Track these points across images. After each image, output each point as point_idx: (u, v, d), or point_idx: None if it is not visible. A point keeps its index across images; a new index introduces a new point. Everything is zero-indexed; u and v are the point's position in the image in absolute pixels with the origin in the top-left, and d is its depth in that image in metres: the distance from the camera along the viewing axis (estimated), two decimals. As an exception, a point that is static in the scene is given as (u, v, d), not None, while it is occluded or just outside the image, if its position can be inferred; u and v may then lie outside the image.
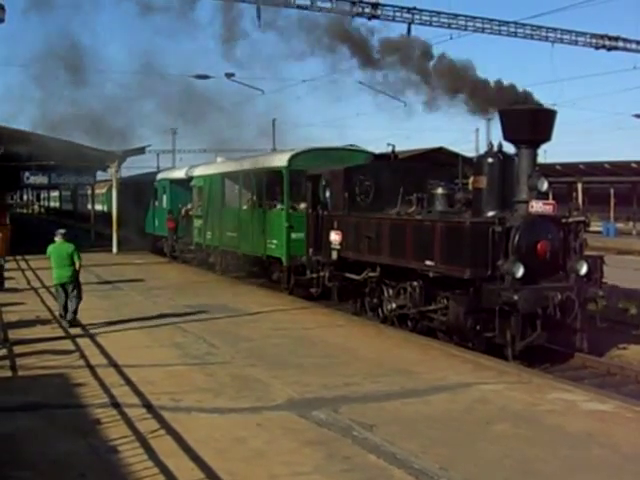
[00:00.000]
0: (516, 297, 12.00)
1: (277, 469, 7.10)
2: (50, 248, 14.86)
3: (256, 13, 25.48)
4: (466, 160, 17.80)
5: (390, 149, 18.21)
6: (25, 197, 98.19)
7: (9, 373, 10.93)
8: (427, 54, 15.65)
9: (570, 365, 13.37)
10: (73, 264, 14.67)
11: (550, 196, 14.27)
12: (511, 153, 13.74)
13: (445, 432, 8.26)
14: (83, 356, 11.85)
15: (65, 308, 14.70)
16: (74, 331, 13.99)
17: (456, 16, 29.55)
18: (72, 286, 14.69)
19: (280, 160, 21.10)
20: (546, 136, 13.49)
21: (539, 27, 31.08)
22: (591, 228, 15.56)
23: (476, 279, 12.57)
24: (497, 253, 12.61)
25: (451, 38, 29.40)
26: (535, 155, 13.51)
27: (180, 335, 13.80)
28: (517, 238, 12.72)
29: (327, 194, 17.83)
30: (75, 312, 14.71)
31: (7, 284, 19.89)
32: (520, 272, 12.38)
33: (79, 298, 14.81)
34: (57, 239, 14.92)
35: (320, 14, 24.56)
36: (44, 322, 14.91)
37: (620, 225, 48.97)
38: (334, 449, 7.63)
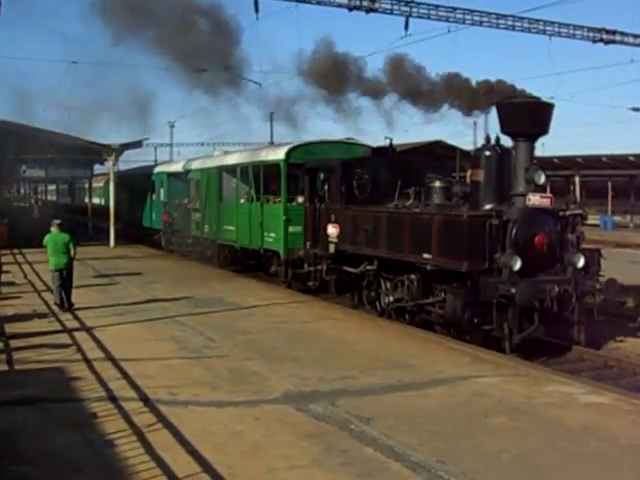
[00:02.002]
0: (513, 290, 11.99)
1: (274, 462, 7.09)
2: (47, 237, 15.93)
3: (254, 5, 25.51)
4: (464, 153, 17.75)
5: (388, 142, 18.17)
6: (22, 190, 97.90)
7: (5, 367, 10.90)
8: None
9: (567, 358, 13.38)
10: (68, 252, 15.78)
11: (548, 189, 14.27)
12: (509, 146, 13.72)
13: (442, 425, 8.25)
14: (80, 350, 11.82)
15: (60, 293, 15.64)
16: (71, 325, 13.97)
17: (454, 9, 29.49)
18: (66, 272, 15.72)
19: (278, 153, 21.06)
20: (544, 129, 13.47)
21: (537, 20, 31.02)
22: (589, 221, 15.51)
23: (473, 272, 12.56)
24: (494, 246, 12.60)
25: (449, 31, 29.38)
26: (533, 148, 13.51)
27: (177, 328, 13.78)
28: (514, 231, 12.71)
29: (325, 187, 17.81)
30: (69, 297, 15.76)
31: (4, 277, 19.81)
32: (517, 265, 12.38)
33: (71, 283, 15.95)
34: (53, 229, 16.03)
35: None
36: (41, 316, 14.90)
37: (618, 218, 48.98)
38: (331, 442, 7.62)
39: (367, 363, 11.11)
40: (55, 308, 15.59)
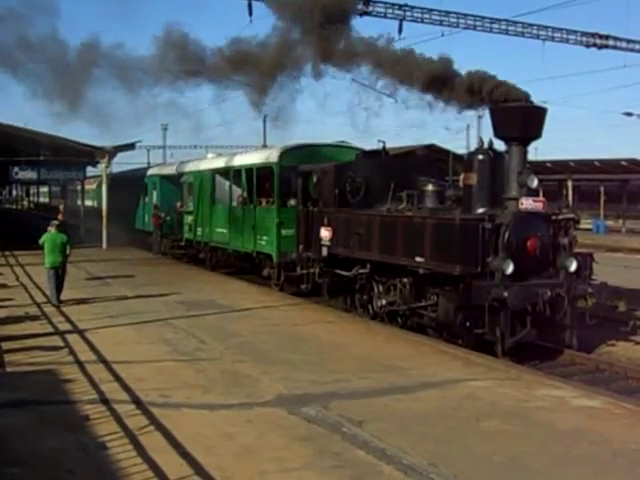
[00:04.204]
0: (506, 294, 12.02)
1: (267, 465, 7.09)
2: (45, 236, 16.82)
3: (247, 10, 25.57)
4: (457, 157, 17.79)
5: (381, 146, 18.19)
6: (14, 193, 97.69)
7: (-3, 369, 10.88)
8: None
9: (559, 362, 13.40)
10: (64, 251, 16.76)
11: (540, 193, 14.30)
12: (502, 150, 13.75)
13: (435, 428, 8.26)
14: (72, 352, 11.79)
15: (56, 289, 16.58)
16: (63, 327, 13.94)
17: (448, 13, 29.61)
18: (61, 270, 16.76)
19: (271, 156, 21.06)
20: (537, 133, 13.50)
21: (530, 25, 31.17)
22: (581, 225, 15.57)
23: (466, 276, 12.57)
24: (487, 250, 12.62)
25: (442, 35, 29.50)
26: (525, 152, 13.53)
27: (170, 331, 13.77)
28: (507, 235, 12.73)
29: (318, 190, 17.81)
30: (59, 293, 16.68)
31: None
32: (510, 269, 12.40)
33: (63, 280, 16.95)
34: (51, 229, 16.95)
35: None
36: (33, 318, 14.87)
37: (610, 223, 49.12)
38: (323, 445, 7.63)
39: (359, 366, 11.11)
40: (48, 310, 15.63)
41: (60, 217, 19.16)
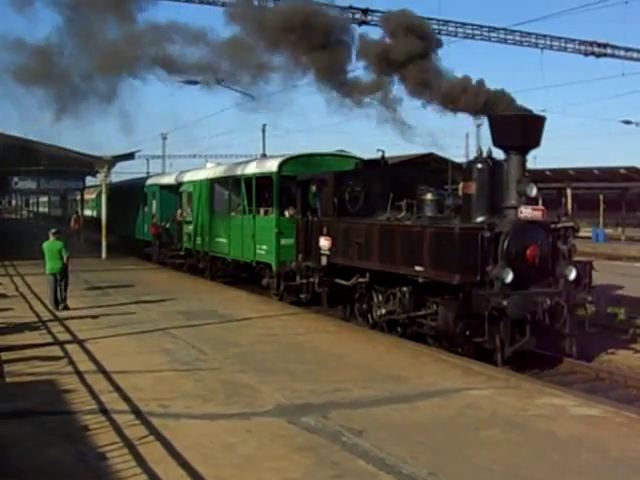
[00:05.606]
0: (505, 302, 12.02)
1: (267, 475, 7.08)
2: (44, 244, 17.86)
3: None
4: (456, 166, 17.81)
5: (380, 155, 18.22)
6: (14, 202, 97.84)
7: (-3, 379, 10.86)
8: None
9: (559, 370, 13.40)
10: (62, 258, 17.64)
11: (539, 202, 14.30)
12: (500, 159, 13.77)
13: (434, 437, 8.25)
14: (71, 362, 11.78)
15: (55, 294, 17.46)
16: (63, 337, 13.94)
17: (446, 22, 29.73)
18: (61, 276, 17.61)
19: (270, 166, 21.09)
20: (535, 142, 13.52)
21: (529, 34, 31.32)
22: (580, 234, 15.57)
23: (465, 284, 12.57)
24: (486, 258, 12.63)
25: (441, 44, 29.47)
26: (524, 161, 13.55)
27: (169, 341, 13.76)
28: (506, 243, 12.74)
29: (317, 200, 17.83)
30: (64, 297, 17.61)
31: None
32: (509, 277, 12.40)
33: (67, 285, 17.88)
34: (50, 237, 17.89)
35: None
36: (32, 328, 14.86)
37: (609, 231, 49.10)
38: (323, 455, 7.61)
39: (359, 375, 11.11)
40: (47, 320, 15.63)
41: (77, 227, 19.84)
